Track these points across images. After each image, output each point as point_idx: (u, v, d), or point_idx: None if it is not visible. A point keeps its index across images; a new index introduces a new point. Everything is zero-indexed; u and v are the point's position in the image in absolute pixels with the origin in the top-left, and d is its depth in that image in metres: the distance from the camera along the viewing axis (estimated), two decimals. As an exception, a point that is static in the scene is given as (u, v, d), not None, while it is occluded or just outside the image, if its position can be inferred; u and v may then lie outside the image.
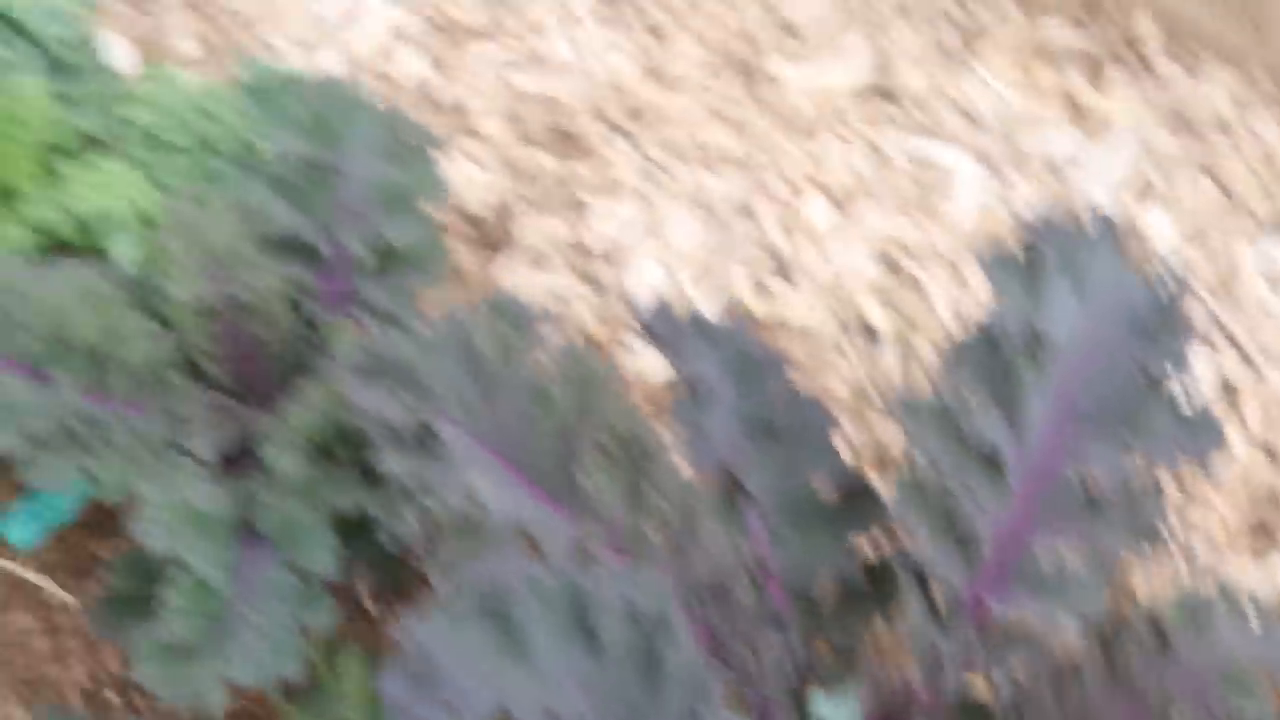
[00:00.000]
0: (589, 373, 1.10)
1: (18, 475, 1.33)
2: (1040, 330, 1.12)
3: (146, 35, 2.05)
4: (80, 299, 1.29)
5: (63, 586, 1.54)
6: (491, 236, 1.85)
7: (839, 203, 1.85)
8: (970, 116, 1.93)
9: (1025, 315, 1.13)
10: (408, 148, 1.45)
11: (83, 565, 1.55)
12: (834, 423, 1.26)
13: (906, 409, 1.15)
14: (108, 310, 1.30)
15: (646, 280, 1.78)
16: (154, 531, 1.18)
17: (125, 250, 1.45)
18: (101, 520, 1.53)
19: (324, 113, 1.44)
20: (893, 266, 1.79)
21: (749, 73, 2.01)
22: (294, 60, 2.02)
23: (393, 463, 1.07)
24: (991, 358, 1.13)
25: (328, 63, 2.02)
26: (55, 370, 1.29)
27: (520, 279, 1.79)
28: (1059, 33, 2.02)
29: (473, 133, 1.95)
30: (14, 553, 1.55)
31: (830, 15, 2.06)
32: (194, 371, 1.36)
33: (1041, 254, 1.13)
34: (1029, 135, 1.91)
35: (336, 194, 1.41)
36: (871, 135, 1.92)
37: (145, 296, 1.35)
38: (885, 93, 1.98)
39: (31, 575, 1.54)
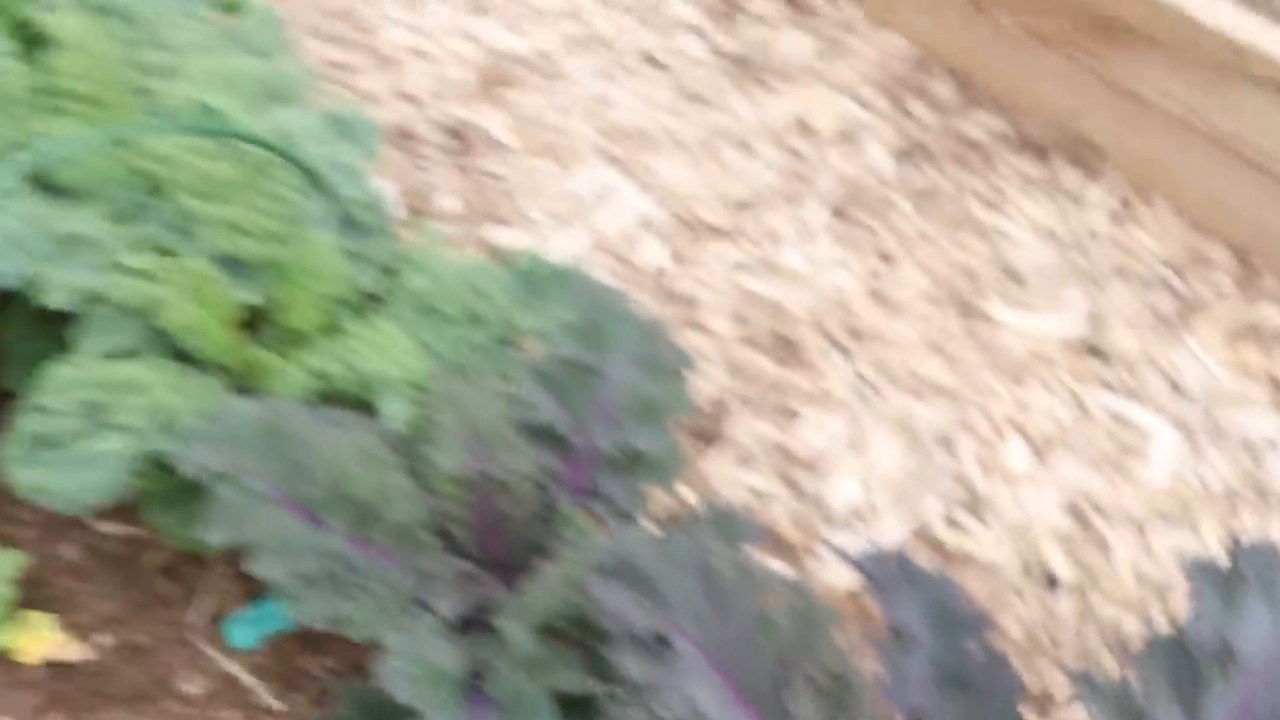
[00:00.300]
0: (812, 610, 1.20)
1: (256, 586, 1.42)
2: (1231, 643, 1.20)
3: (415, 187, 2.19)
4: (358, 455, 1.41)
5: (269, 691, 1.63)
6: (706, 429, 1.92)
7: (1037, 449, 1.93)
8: (1175, 385, 2.00)
9: (1219, 625, 1.21)
10: (663, 364, 1.57)
11: (290, 675, 1.63)
12: (1022, 687, 1.33)
13: (1091, 687, 1.23)
14: (380, 469, 1.41)
15: (844, 495, 1.87)
16: (398, 682, 1.28)
17: (396, 411, 1.53)
18: (314, 637, 1.63)
19: (594, 317, 1.56)
20: (1081, 519, 1.86)
21: (968, 310, 2.10)
22: (544, 230, 2.15)
23: (631, 665, 1.18)
24: (1182, 659, 1.20)
25: (575, 239, 2.13)
26: (328, 517, 1.40)
27: (726, 474, 1.87)
28: (1273, 317, 2.08)
29: (700, 327, 2.04)
30: (232, 653, 1.64)
31: (1053, 266, 2.15)
32: (444, 535, 1.46)
33: (1242, 571, 1.22)
34: (1230, 412, 1.97)
35: (596, 395, 1.52)
36: (1077, 388, 2.00)
37: (411, 459, 1.47)
38: (1095, 349, 2.05)
39: (245, 675, 1.63)
